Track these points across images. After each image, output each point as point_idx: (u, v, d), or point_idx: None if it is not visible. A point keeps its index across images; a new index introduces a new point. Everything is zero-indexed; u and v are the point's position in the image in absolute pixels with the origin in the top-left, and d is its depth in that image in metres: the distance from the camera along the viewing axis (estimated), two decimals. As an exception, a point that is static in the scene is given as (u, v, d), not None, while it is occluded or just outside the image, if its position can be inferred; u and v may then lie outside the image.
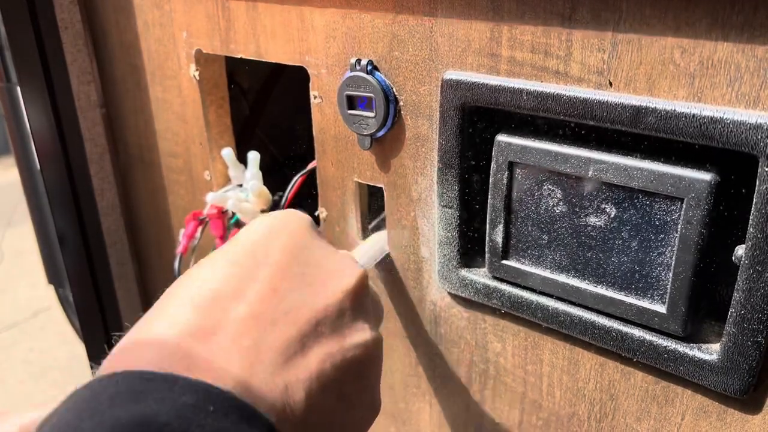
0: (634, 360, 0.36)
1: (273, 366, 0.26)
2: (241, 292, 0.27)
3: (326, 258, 0.31)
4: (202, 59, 0.52)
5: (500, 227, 0.38)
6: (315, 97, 0.45)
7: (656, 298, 0.34)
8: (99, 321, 0.68)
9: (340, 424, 0.28)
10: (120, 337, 0.26)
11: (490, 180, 0.38)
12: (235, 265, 0.29)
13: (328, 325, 0.29)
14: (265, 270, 0.29)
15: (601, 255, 0.35)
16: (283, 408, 0.25)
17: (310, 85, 0.44)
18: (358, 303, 0.31)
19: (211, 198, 0.53)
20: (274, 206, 0.52)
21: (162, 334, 0.25)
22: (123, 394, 0.22)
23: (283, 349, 0.26)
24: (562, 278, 0.37)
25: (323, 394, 0.27)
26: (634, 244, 0.33)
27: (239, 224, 0.54)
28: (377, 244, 0.45)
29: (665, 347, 0.34)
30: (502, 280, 0.40)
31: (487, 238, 0.39)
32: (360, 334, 0.30)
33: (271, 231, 0.31)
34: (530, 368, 0.41)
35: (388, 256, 0.46)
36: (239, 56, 0.48)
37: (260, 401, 0.24)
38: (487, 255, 0.40)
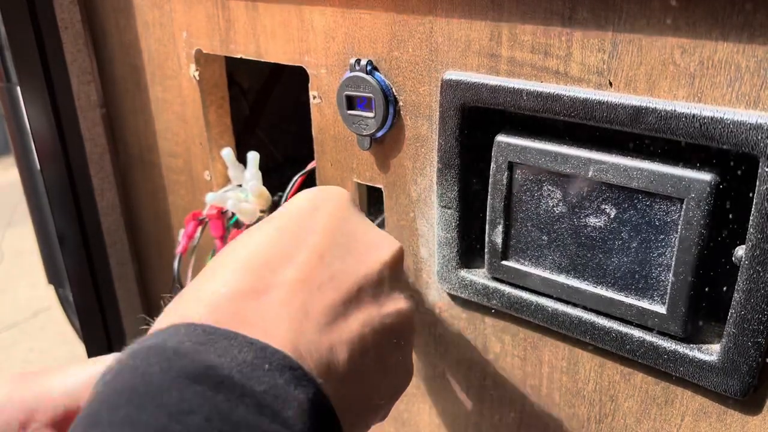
0: (634, 361, 0.36)
1: (319, 327, 0.27)
2: (289, 256, 0.29)
3: (366, 230, 0.33)
4: (202, 59, 0.52)
5: (500, 228, 0.38)
6: (314, 98, 0.45)
7: (656, 298, 0.33)
8: (99, 321, 0.68)
9: (377, 387, 0.30)
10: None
11: (490, 180, 0.38)
12: (284, 232, 0.31)
13: (369, 293, 0.30)
14: (312, 237, 0.30)
15: (600, 255, 0.35)
16: (327, 368, 0.27)
17: (310, 85, 0.44)
18: (395, 274, 0.33)
19: (211, 198, 0.53)
20: (274, 206, 0.52)
21: (214, 292, 0.27)
22: (187, 345, 0.23)
23: (328, 312, 0.28)
24: (561, 279, 0.37)
25: (363, 357, 0.29)
26: (634, 245, 0.33)
27: (238, 225, 0.54)
28: None
29: (665, 348, 0.34)
30: (501, 281, 0.40)
31: (486, 239, 0.39)
32: (396, 303, 0.32)
33: (316, 202, 0.33)
34: (529, 369, 0.41)
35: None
36: (239, 56, 0.48)
37: (307, 361, 0.26)
38: (486, 255, 0.40)
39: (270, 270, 0.28)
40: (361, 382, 0.29)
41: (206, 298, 0.26)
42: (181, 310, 0.26)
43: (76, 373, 0.31)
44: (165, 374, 0.22)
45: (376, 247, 0.33)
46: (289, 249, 0.30)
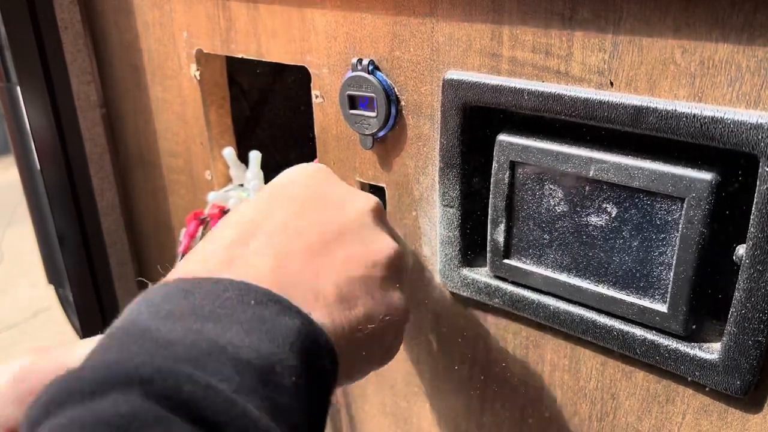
0: (636, 359, 0.36)
1: (302, 261, 0.30)
2: (271, 214, 0.32)
3: (343, 189, 0.36)
4: (202, 59, 0.52)
5: (502, 226, 0.38)
6: (317, 97, 0.45)
7: (657, 297, 0.34)
8: (99, 321, 0.68)
9: (370, 315, 0.31)
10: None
11: (492, 179, 0.38)
12: (266, 199, 0.34)
13: (350, 235, 0.32)
14: (291, 202, 0.33)
15: (602, 254, 0.35)
16: (315, 297, 0.28)
17: (312, 84, 0.44)
18: (378, 220, 0.35)
19: (213, 197, 0.53)
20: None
21: (206, 248, 0.30)
22: (173, 293, 0.26)
23: (310, 249, 0.30)
24: (563, 277, 0.37)
25: (350, 285, 0.30)
26: (635, 244, 0.34)
27: (240, 224, 0.54)
28: None
29: (666, 346, 0.34)
30: (503, 280, 0.40)
31: (488, 238, 0.39)
32: (381, 242, 0.33)
33: (293, 175, 0.36)
34: (531, 367, 0.41)
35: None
36: (240, 56, 0.48)
37: (292, 294, 0.27)
38: (488, 254, 0.40)
39: (254, 225, 0.31)
40: (351, 308, 0.30)
41: (198, 255, 0.30)
42: (181, 267, 0.30)
43: (93, 343, 0.31)
44: (154, 316, 0.24)
45: (354, 199, 0.35)
46: (270, 210, 0.32)
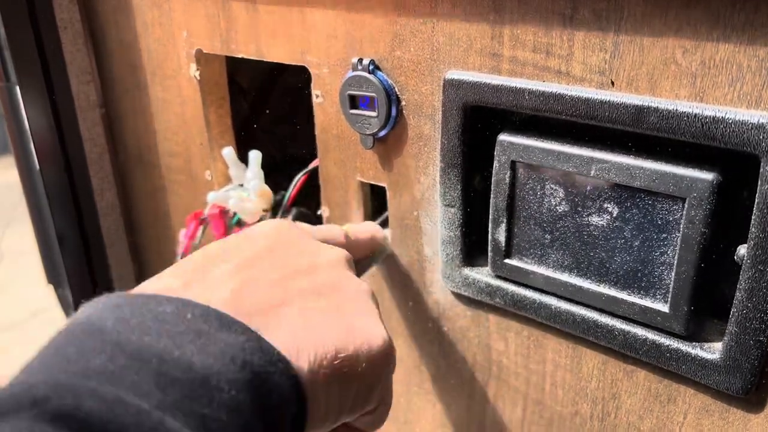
0: (637, 359, 0.36)
1: (267, 289, 0.28)
2: (240, 250, 0.30)
3: (312, 244, 0.34)
4: (202, 59, 0.52)
5: (503, 226, 0.38)
6: (317, 97, 0.45)
7: (658, 297, 0.34)
8: (99, 321, 0.68)
9: (341, 349, 0.28)
10: None
11: (493, 179, 0.38)
12: (226, 245, 0.32)
13: (322, 272, 0.31)
14: (252, 247, 0.31)
15: (603, 254, 0.35)
16: (278, 323, 0.26)
17: (312, 84, 0.44)
18: (350, 268, 0.34)
19: (213, 197, 0.53)
20: (276, 205, 0.52)
21: (163, 274, 0.28)
22: (101, 309, 0.24)
23: (278, 280, 0.29)
24: (564, 277, 0.37)
25: (320, 315, 0.28)
26: (636, 244, 0.34)
27: (241, 224, 0.54)
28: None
29: (667, 346, 0.34)
30: (505, 279, 0.40)
31: (489, 237, 0.39)
32: (354, 280, 0.32)
33: (262, 226, 0.34)
34: (533, 367, 0.41)
35: (391, 255, 0.46)
36: (240, 56, 0.48)
37: (252, 318, 0.26)
38: (489, 254, 0.40)
39: (220, 257, 0.30)
40: (320, 339, 0.27)
41: (156, 278, 0.28)
42: (134, 290, 0.27)
43: None
44: (73, 330, 0.23)
45: (324, 251, 0.33)
46: (232, 251, 0.31)
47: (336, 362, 0.27)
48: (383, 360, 0.29)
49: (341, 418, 0.29)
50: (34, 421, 0.18)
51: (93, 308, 0.24)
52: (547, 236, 0.37)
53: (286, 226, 0.34)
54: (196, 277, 0.28)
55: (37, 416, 0.19)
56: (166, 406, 0.21)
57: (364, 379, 0.28)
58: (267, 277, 0.29)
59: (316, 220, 0.51)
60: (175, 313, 0.24)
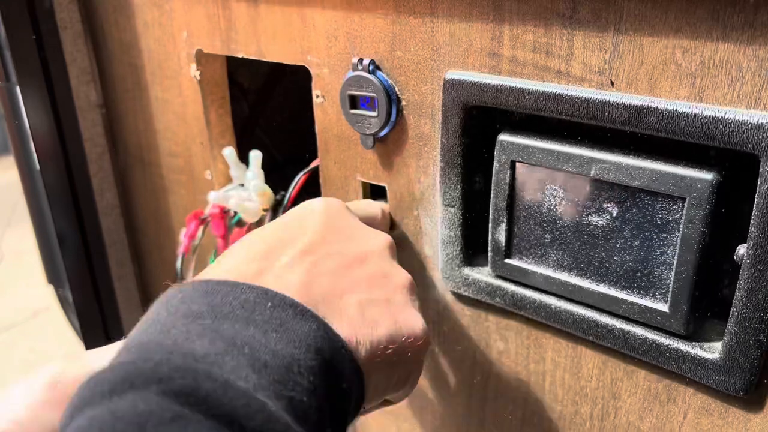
0: (637, 359, 0.36)
1: (329, 281, 0.30)
2: (296, 236, 0.33)
3: (360, 227, 0.36)
4: (202, 59, 0.52)
5: (503, 226, 0.38)
6: (317, 97, 0.45)
7: (658, 296, 0.34)
8: (99, 321, 0.68)
9: (391, 338, 0.31)
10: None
11: (493, 179, 0.38)
12: (287, 226, 0.34)
13: (371, 262, 0.33)
14: (311, 229, 0.33)
15: (603, 254, 0.35)
16: (341, 314, 0.29)
17: (313, 84, 0.44)
18: (394, 255, 0.36)
19: (214, 197, 0.53)
20: (277, 205, 0.52)
21: (227, 262, 0.30)
22: (192, 294, 0.26)
23: (336, 271, 0.31)
24: (564, 277, 0.37)
25: (373, 307, 0.31)
26: (636, 243, 0.34)
27: (241, 224, 0.54)
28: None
29: (667, 346, 0.34)
30: (504, 279, 0.40)
31: (489, 237, 0.39)
32: (400, 271, 0.34)
33: (312, 207, 0.36)
34: (533, 367, 0.42)
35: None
36: (240, 56, 0.48)
37: (320, 307, 0.28)
38: (489, 254, 0.40)
39: (282, 243, 0.32)
40: (374, 329, 0.30)
41: (223, 265, 0.30)
42: (203, 275, 0.29)
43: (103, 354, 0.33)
44: (172, 316, 0.25)
45: (370, 236, 0.36)
46: (289, 238, 0.32)
47: (388, 351, 0.30)
48: (423, 348, 0.33)
49: (385, 396, 0.33)
50: (161, 396, 0.21)
51: (186, 293, 0.26)
52: (547, 236, 0.37)
53: (335, 207, 0.36)
54: (266, 264, 0.30)
55: (161, 393, 0.21)
56: (262, 389, 0.23)
57: (408, 365, 0.32)
58: (327, 266, 0.31)
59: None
60: (258, 302, 0.26)
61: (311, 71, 0.44)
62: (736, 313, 0.31)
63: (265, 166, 0.53)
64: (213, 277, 0.28)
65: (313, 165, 0.49)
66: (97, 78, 0.61)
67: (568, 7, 0.32)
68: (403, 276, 0.34)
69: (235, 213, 0.53)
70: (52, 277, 0.70)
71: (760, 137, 0.28)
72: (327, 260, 0.32)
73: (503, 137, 0.37)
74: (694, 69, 0.29)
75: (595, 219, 0.35)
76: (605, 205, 0.34)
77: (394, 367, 0.31)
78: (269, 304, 0.26)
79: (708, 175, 0.30)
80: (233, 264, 0.30)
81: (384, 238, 0.36)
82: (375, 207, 0.43)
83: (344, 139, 0.45)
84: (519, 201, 0.37)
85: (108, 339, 0.69)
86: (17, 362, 1.83)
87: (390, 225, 0.45)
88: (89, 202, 0.63)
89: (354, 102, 0.41)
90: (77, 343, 0.70)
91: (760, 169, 0.28)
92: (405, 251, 0.45)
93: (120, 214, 0.67)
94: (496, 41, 0.35)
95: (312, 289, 0.29)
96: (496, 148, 0.37)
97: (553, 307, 0.38)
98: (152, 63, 0.56)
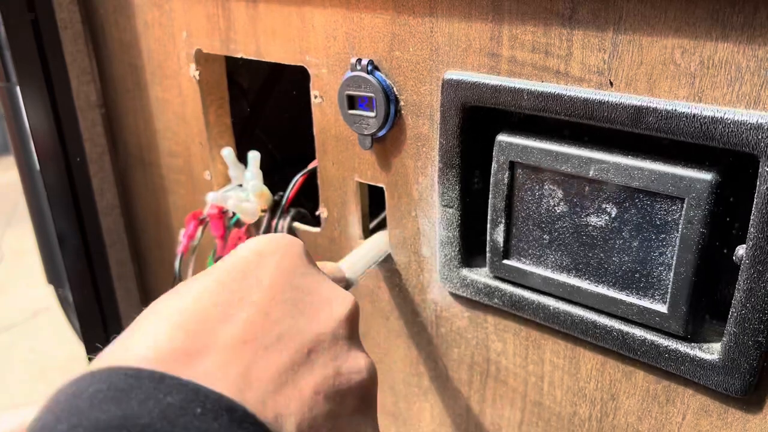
0: (635, 360, 0.36)
1: (263, 395, 0.24)
2: (230, 314, 0.26)
3: (318, 285, 0.30)
4: (202, 59, 0.52)
5: (501, 227, 0.38)
6: (315, 97, 0.45)
7: (657, 297, 0.34)
8: (99, 321, 0.68)
9: None
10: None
11: (491, 180, 0.38)
12: (225, 286, 0.27)
13: (322, 354, 0.27)
14: (256, 293, 0.27)
15: (602, 255, 0.35)
16: (278, 416, 0.24)
17: (311, 84, 0.44)
18: (351, 331, 0.30)
19: (212, 198, 0.53)
20: (275, 206, 0.52)
21: (140, 356, 0.23)
22: (103, 393, 0.21)
23: (275, 378, 0.25)
24: (563, 278, 0.37)
25: (315, 427, 0.25)
26: (635, 244, 0.34)
27: (239, 224, 0.54)
28: (369, 253, 0.43)
29: (666, 347, 0.34)
30: (503, 280, 0.40)
31: (488, 238, 0.39)
32: (354, 363, 0.28)
33: (263, 253, 0.29)
34: (531, 368, 0.41)
35: (389, 256, 0.46)
36: (239, 56, 0.48)
37: (259, 409, 0.23)
38: (488, 255, 0.40)
39: (207, 329, 0.25)
40: (321, 428, 0.25)
41: (132, 359, 0.23)
42: (122, 345, 0.24)
43: (8, 420, 0.28)
44: (73, 431, 0.20)
45: (329, 303, 0.29)
46: (230, 305, 0.26)
47: None
48: None
49: None
50: None
51: (97, 388, 0.21)
52: (546, 237, 0.37)
53: (292, 255, 0.30)
54: (199, 342, 0.24)
55: None
56: None
57: None
58: (279, 353, 0.25)
59: (315, 221, 0.51)
60: (185, 408, 0.21)
61: (310, 71, 0.44)
62: (735, 314, 0.31)
63: (265, 166, 0.53)
64: (132, 358, 0.23)
65: (311, 166, 0.49)
66: (97, 78, 0.61)
67: (568, 7, 0.32)
68: (356, 371, 0.28)
69: (234, 213, 0.53)
70: (52, 277, 0.70)
71: (759, 137, 0.28)
72: (266, 356, 0.25)
73: (502, 137, 0.37)
74: (693, 69, 0.29)
75: (593, 219, 0.35)
76: (604, 206, 0.34)
77: None
78: (199, 410, 0.21)
79: (707, 176, 0.30)
80: (157, 337, 0.24)
81: (342, 305, 0.30)
82: (332, 268, 0.37)
83: (342, 139, 0.45)
84: (517, 201, 0.37)
85: (108, 339, 0.69)
86: (17, 362, 1.83)
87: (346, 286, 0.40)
88: (89, 202, 0.63)
89: (352, 102, 0.41)
90: (77, 343, 0.70)
91: (759, 170, 0.28)
92: (403, 253, 0.45)
93: (120, 214, 0.67)
94: (495, 41, 0.35)
95: (255, 384, 0.24)
96: (495, 148, 0.37)
97: (551, 308, 0.38)
98: (152, 63, 0.56)
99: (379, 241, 0.45)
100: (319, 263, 0.35)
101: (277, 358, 0.25)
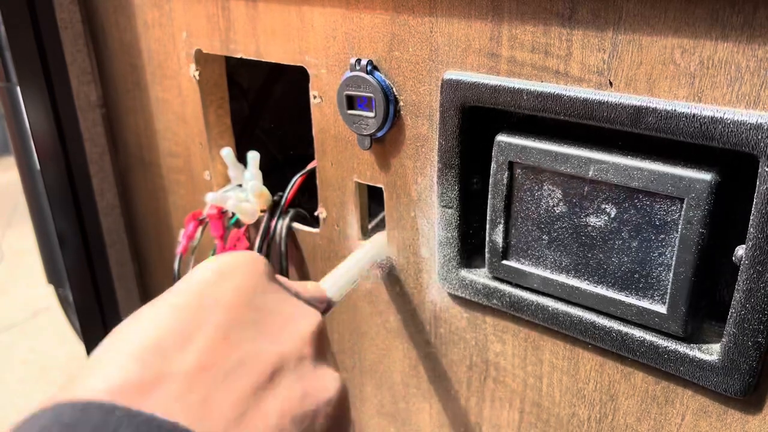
0: (635, 360, 0.36)
1: (225, 423, 0.23)
2: (187, 340, 0.24)
3: (281, 303, 0.29)
4: (202, 59, 0.52)
5: (500, 227, 0.38)
6: (315, 97, 0.45)
7: (656, 298, 0.34)
8: (99, 321, 0.68)
9: None
10: None
11: (490, 180, 0.38)
12: (180, 310, 0.25)
13: (286, 376, 0.26)
14: (214, 315, 0.26)
15: (601, 255, 0.35)
16: None
17: (310, 85, 0.44)
18: (318, 350, 0.28)
19: (211, 198, 0.53)
20: (274, 206, 0.52)
21: (91, 388, 0.22)
22: (48, 429, 0.20)
23: (237, 404, 0.24)
24: (562, 278, 0.37)
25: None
26: (634, 245, 0.33)
27: (239, 224, 0.54)
28: (353, 269, 0.42)
29: (665, 347, 0.34)
30: (502, 281, 0.40)
31: (487, 239, 0.39)
32: (322, 383, 0.27)
33: (222, 272, 0.28)
34: (530, 369, 0.41)
35: (388, 256, 0.46)
36: (239, 56, 0.48)
37: None
38: (487, 255, 0.40)
39: (162, 357, 0.23)
40: None
41: (82, 392, 0.22)
42: (81, 378, 0.23)
43: None
44: None
45: (293, 320, 0.28)
46: (187, 330, 0.25)
47: None
48: None
49: None
50: None
51: (43, 423, 0.20)
52: (545, 237, 0.37)
53: (254, 274, 0.29)
54: (155, 371, 0.23)
55: None
56: None
57: None
58: (240, 378, 0.24)
59: (314, 221, 0.51)
60: None
61: (309, 71, 0.44)
62: (735, 315, 0.31)
63: (265, 166, 0.53)
64: (82, 391, 0.22)
65: (310, 167, 0.49)
66: (97, 78, 0.61)
67: (567, 7, 0.32)
68: (323, 391, 0.27)
69: (233, 214, 0.53)
70: (53, 277, 0.70)
71: (759, 137, 0.28)
72: (227, 383, 0.24)
73: (501, 138, 0.36)
74: (693, 69, 0.29)
75: (593, 220, 0.35)
76: (603, 206, 0.34)
77: None
78: None
79: (706, 176, 0.30)
80: (109, 369, 0.23)
81: (307, 324, 0.28)
82: (312, 288, 0.36)
83: (341, 139, 0.45)
84: (517, 202, 0.37)
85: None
86: (17, 362, 1.83)
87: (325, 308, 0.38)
88: (89, 202, 0.63)
89: (351, 102, 0.41)
90: (77, 343, 0.70)
91: (759, 170, 0.28)
92: (402, 254, 0.45)
93: (120, 214, 0.67)
94: (494, 41, 0.35)
95: (215, 413, 0.22)
96: (494, 148, 0.37)
97: (550, 308, 0.38)
98: (152, 63, 0.56)
99: (366, 253, 0.44)
100: (299, 283, 0.34)
101: (239, 384, 0.24)
